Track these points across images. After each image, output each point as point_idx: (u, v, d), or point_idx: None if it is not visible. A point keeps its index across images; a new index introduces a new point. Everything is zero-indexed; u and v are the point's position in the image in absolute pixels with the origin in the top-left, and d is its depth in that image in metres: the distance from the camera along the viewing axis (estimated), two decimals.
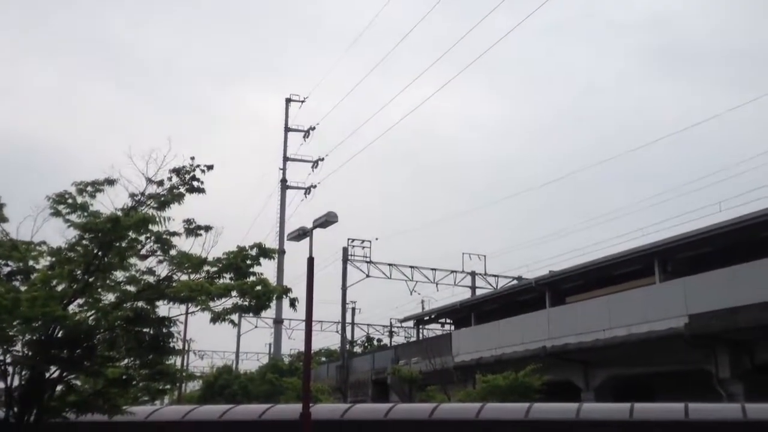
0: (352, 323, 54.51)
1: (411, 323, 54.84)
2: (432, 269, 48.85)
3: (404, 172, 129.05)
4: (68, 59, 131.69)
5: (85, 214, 14.94)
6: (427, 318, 50.60)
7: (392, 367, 39.52)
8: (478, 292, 48.66)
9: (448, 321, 50.26)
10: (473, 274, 50.61)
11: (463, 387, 31.69)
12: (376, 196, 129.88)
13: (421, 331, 54.13)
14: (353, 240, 45.44)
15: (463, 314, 42.78)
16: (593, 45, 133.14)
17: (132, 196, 14.97)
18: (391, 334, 65.86)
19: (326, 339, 76.90)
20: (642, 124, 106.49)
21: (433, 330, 56.73)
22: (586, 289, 33.23)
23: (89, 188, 15.06)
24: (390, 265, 47.20)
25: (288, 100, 59.39)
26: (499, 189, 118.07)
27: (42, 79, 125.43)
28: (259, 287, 14.95)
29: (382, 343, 64.29)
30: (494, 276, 51.00)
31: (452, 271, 49.67)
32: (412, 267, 48.11)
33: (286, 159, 57.86)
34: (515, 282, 47.31)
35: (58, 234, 15.28)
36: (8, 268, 15.39)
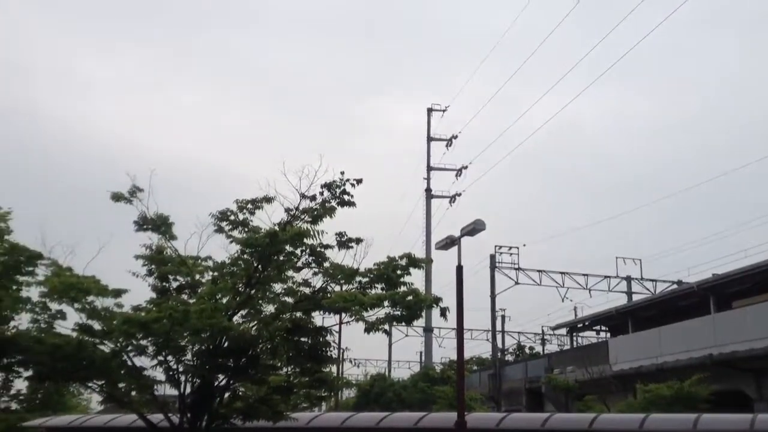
0: (503, 331, 53.79)
1: (564, 331, 53.46)
2: (584, 275, 47.39)
3: (550, 176, 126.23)
4: (210, 82, 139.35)
5: (246, 229, 15.78)
6: (581, 325, 49.10)
7: (546, 376, 38.65)
8: (635, 297, 46.64)
9: (603, 328, 48.54)
10: (629, 279, 48.59)
11: (622, 397, 30.42)
12: (522, 201, 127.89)
13: (574, 338, 52.63)
14: (500, 247, 44.91)
15: (619, 321, 41.16)
16: (742, 36, 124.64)
17: (287, 211, 15.64)
18: (543, 341, 64.45)
19: (476, 347, 76.45)
20: None
21: (588, 337, 55.03)
22: (755, 292, 30.98)
23: (249, 205, 15.90)
24: (539, 271, 46.25)
25: (429, 110, 59.81)
26: (651, 190, 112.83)
27: (190, 101, 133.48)
28: (410, 297, 15.15)
29: (534, 351, 63.04)
30: (651, 281, 48.72)
31: (606, 277, 47.94)
32: (562, 273, 46.90)
33: (429, 168, 58.22)
34: (675, 287, 44.96)
35: (221, 249, 16.26)
36: (177, 283, 16.52)
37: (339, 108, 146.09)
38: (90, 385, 16.68)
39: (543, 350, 61.51)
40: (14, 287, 17.74)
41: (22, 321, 16.64)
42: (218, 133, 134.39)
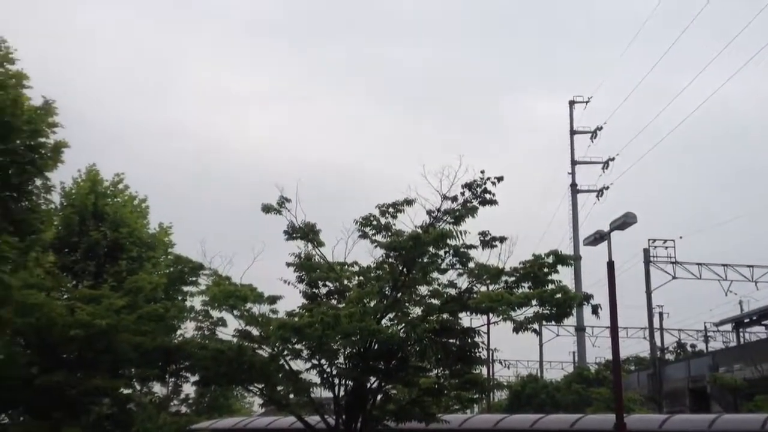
0: (661, 329, 51.26)
1: (729, 326, 50.26)
2: (748, 266, 44.23)
3: (705, 163, 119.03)
4: (348, 88, 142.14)
5: (389, 233, 16.01)
6: (748, 320, 46.00)
7: (711, 375, 36.50)
8: None
9: None
10: None
11: None
12: (676, 192, 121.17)
13: (741, 334, 49.32)
14: (654, 240, 42.83)
15: None
16: None
17: (429, 213, 15.72)
18: (706, 338, 60.87)
19: (633, 346, 73.24)
20: None
21: (756, 333, 51.38)
22: None
23: (390, 209, 16.13)
24: (699, 264, 43.65)
25: (571, 103, 58.10)
26: None
27: (331, 107, 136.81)
28: (558, 295, 14.80)
29: (696, 349, 59.70)
30: None
31: None
32: (724, 265, 44.02)
33: (574, 163, 56.55)
34: None
35: (366, 254, 16.60)
36: (326, 288, 17.03)
37: (478, 107, 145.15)
38: (251, 388, 17.53)
39: (706, 348, 58.11)
40: (179, 298, 19.04)
41: (188, 329, 17.82)
42: (360, 138, 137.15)
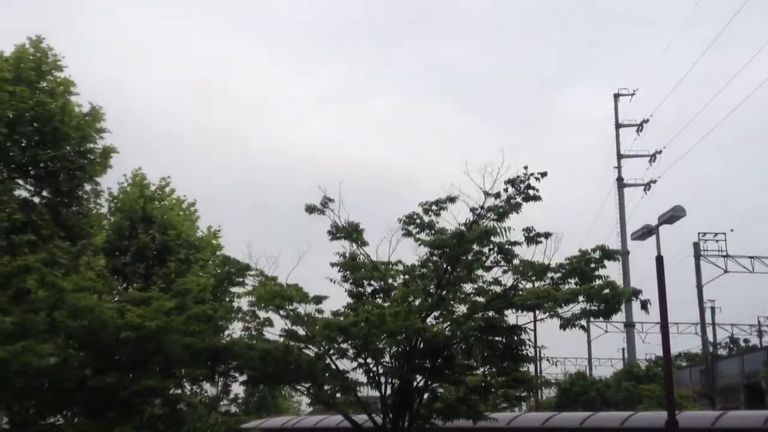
0: (713, 324, 50.22)
1: None
2: None
3: (756, 153, 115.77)
4: (400, 88, 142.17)
5: (432, 231, 15.97)
6: None
7: (765, 370, 35.62)
8: None
9: None
10: None
11: None
12: (726, 183, 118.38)
13: None
14: (704, 234, 41.94)
15: None
16: None
17: (472, 210, 15.62)
18: (760, 333, 59.39)
19: (684, 342, 71.76)
20: None
21: None
22: None
23: (434, 207, 16.09)
24: (751, 257, 42.62)
25: (616, 96, 57.24)
26: None
27: (380, 107, 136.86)
28: (606, 291, 14.57)
29: (750, 344, 58.28)
30: None
31: None
32: None
33: (620, 156, 55.76)
34: None
35: (410, 252, 16.58)
36: (371, 287, 17.05)
37: (526, 103, 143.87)
38: (298, 387, 17.66)
39: (760, 342, 56.72)
40: (227, 299, 19.27)
41: (235, 329, 18.03)
42: (409, 138, 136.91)
